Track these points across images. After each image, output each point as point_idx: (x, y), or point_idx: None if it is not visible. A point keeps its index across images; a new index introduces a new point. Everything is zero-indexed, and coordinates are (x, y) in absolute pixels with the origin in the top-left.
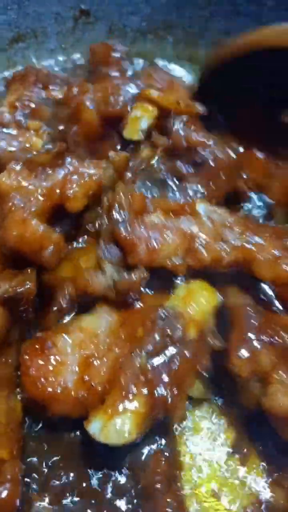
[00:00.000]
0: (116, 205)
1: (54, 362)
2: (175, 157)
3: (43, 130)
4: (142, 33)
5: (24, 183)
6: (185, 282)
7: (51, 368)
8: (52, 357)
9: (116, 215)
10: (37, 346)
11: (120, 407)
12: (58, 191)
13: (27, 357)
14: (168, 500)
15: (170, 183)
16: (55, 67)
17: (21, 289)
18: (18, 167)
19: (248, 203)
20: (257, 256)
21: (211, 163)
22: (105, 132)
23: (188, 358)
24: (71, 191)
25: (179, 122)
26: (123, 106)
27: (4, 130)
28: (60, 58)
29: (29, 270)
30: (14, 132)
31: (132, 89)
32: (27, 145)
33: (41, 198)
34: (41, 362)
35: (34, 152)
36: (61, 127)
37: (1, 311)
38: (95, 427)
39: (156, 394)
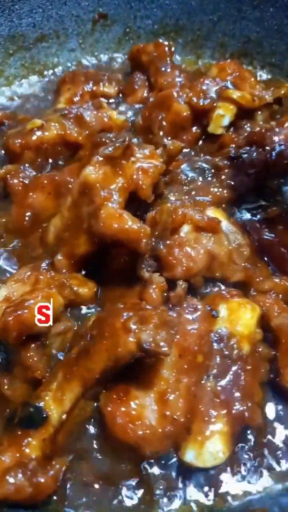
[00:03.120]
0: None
1: (135, 406)
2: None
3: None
4: (155, 35)
5: (107, 175)
6: (224, 302)
7: (134, 412)
8: (132, 402)
9: (159, 233)
10: (115, 396)
11: (207, 432)
12: (133, 182)
13: (109, 408)
14: None
15: (208, 172)
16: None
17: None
18: (100, 159)
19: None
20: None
21: (246, 160)
22: (190, 123)
23: (251, 371)
24: (145, 181)
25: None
26: (210, 103)
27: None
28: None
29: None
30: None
31: (214, 86)
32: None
33: (122, 189)
34: (123, 409)
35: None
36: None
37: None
38: (191, 456)
39: (234, 411)
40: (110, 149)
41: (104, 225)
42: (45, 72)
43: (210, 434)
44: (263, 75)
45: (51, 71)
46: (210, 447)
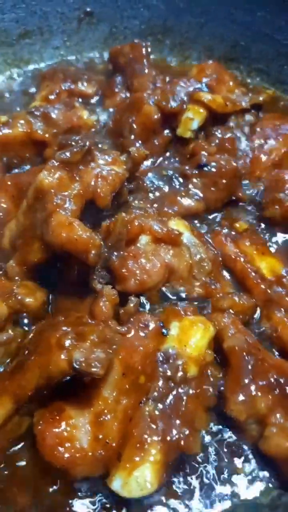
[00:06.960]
0: (115, 234)
1: (67, 427)
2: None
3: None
4: (141, 35)
5: (62, 181)
6: (178, 319)
7: (65, 434)
8: (64, 422)
9: (112, 243)
10: (48, 415)
11: (137, 459)
12: (90, 189)
13: (40, 427)
14: None
15: (175, 180)
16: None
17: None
18: (56, 164)
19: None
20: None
21: (213, 169)
22: (161, 126)
23: (194, 396)
24: (103, 189)
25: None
26: (179, 105)
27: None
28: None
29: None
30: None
31: (187, 88)
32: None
33: (77, 197)
34: (55, 429)
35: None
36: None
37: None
38: (117, 484)
39: (169, 439)
40: (67, 154)
41: (53, 233)
42: (28, 68)
43: (140, 462)
44: (250, 81)
45: (33, 67)
46: (138, 476)
